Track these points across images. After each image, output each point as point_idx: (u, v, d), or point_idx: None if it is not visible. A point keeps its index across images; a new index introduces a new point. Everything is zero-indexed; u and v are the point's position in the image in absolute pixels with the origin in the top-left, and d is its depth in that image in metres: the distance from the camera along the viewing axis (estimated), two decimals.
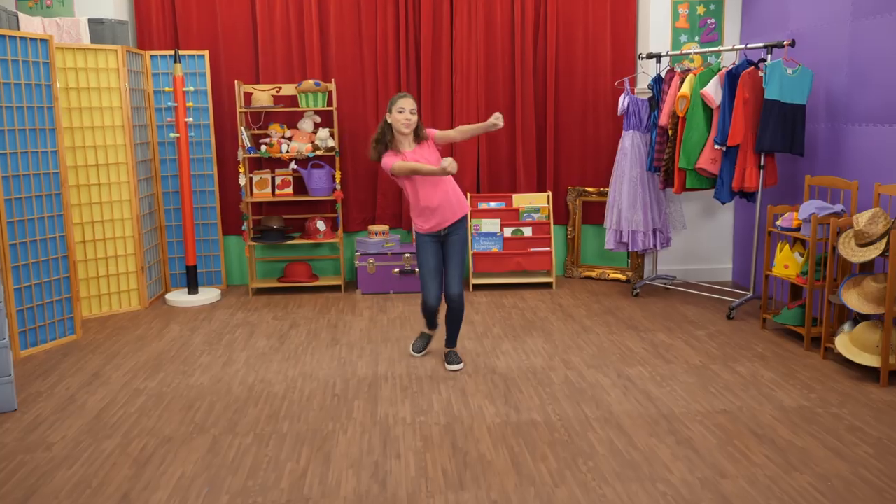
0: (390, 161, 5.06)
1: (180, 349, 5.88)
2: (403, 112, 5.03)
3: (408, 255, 7.44)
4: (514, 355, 5.60)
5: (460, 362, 5.39)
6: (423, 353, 5.64)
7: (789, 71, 6.02)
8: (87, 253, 6.78)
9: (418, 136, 5.17)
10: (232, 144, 7.72)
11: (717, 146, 6.35)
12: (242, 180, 7.37)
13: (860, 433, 4.21)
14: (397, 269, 7.47)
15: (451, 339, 5.51)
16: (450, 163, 4.77)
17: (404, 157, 5.10)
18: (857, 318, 5.37)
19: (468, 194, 7.72)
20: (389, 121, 5.09)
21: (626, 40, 7.77)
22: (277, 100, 7.62)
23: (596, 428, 4.32)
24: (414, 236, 5.46)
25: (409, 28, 7.62)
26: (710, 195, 7.60)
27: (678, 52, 7.02)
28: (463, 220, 5.25)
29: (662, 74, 6.94)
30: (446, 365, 5.38)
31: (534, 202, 7.75)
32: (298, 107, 7.43)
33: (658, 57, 7.10)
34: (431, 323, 5.58)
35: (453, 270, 5.23)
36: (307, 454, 4.07)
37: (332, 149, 7.42)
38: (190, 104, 7.29)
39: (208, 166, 7.55)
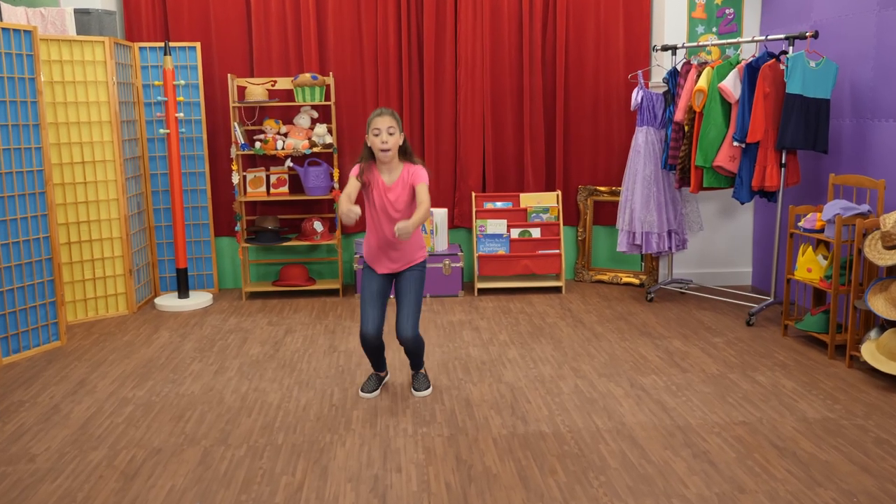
0: (353, 172, 4.73)
1: (170, 356, 5.89)
2: (379, 134, 4.61)
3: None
4: (522, 363, 5.59)
5: (427, 387, 5.08)
6: (375, 392, 5.06)
7: (812, 63, 6.02)
8: (73, 255, 6.79)
9: (406, 156, 4.78)
10: (225, 141, 7.73)
11: (735, 143, 6.35)
12: (236, 179, 7.37)
13: (887, 446, 4.20)
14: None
15: (415, 364, 5.16)
16: (399, 229, 4.33)
17: (371, 187, 4.72)
18: (885, 325, 5.36)
19: (472, 194, 7.73)
20: (369, 144, 4.70)
21: (639, 31, 7.77)
22: (272, 94, 7.61)
23: (608, 440, 4.31)
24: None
25: (410, 18, 7.62)
26: (728, 195, 7.60)
27: (695, 44, 7.02)
28: (418, 264, 4.89)
29: (678, 67, 6.94)
30: (412, 390, 5.07)
31: (542, 202, 7.75)
32: (294, 101, 7.44)
33: (674, 49, 7.10)
34: (377, 364, 5.13)
35: (406, 309, 4.80)
36: (303, 467, 4.07)
37: (329, 146, 7.43)
38: (181, 98, 7.29)
39: (200, 164, 7.56)
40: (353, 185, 4.66)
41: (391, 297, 5.27)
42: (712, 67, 6.50)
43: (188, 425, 4.61)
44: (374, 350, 4.96)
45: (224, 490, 3.84)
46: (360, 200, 4.86)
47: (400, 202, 4.71)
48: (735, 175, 6.49)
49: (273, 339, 6.28)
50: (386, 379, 5.27)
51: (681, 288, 7.54)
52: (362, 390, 5.05)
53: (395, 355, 5.77)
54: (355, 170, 4.72)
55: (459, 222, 8.00)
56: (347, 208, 4.35)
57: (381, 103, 7.65)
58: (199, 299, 7.32)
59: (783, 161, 6.28)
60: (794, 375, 5.27)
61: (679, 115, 6.74)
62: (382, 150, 4.62)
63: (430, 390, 5.08)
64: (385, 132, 4.59)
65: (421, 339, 4.94)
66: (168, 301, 7.27)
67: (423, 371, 5.19)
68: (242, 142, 7.33)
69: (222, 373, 5.50)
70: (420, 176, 4.69)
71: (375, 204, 4.73)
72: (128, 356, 5.91)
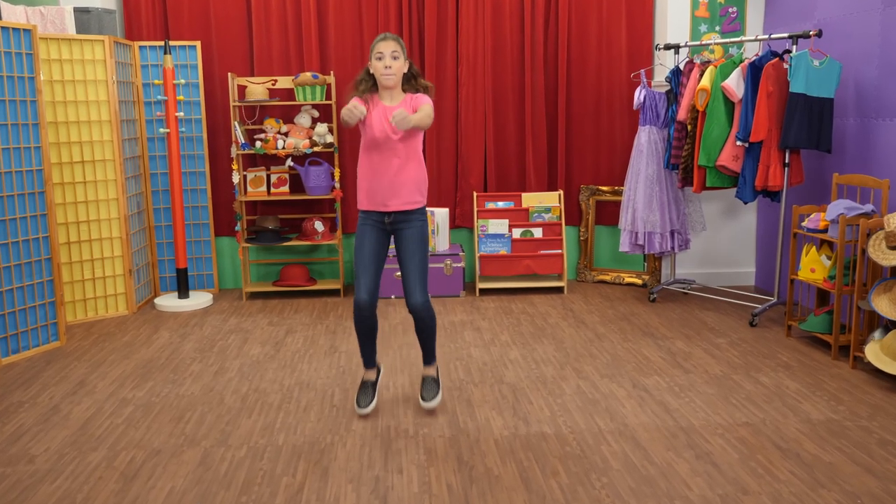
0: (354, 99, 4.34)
1: (170, 357, 5.89)
2: (382, 58, 4.37)
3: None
4: (523, 364, 5.59)
5: (437, 394, 4.71)
6: (370, 406, 4.69)
7: (816, 62, 6.02)
8: (72, 255, 6.79)
9: (412, 85, 4.53)
10: (225, 140, 7.73)
11: (739, 142, 6.34)
12: (236, 178, 7.37)
13: (892, 447, 4.20)
14: (399, 273, 7.45)
15: (428, 355, 4.79)
16: (398, 117, 4.09)
17: (371, 114, 4.42)
18: (889, 326, 5.36)
19: (474, 193, 7.74)
20: (371, 70, 4.47)
21: (642, 30, 7.77)
22: (273, 93, 7.61)
23: (610, 441, 4.31)
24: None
25: (412, 17, 7.62)
26: (731, 194, 7.59)
27: (698, 43, 7.01)
28: (417, 211, 4.54)
29: (681, 66, 6.94)
30: (421, 398, 4.71)
31: (544, 202, 7.75)
32: (295, 100, 7.43)
33: (676, 48, 7.10)
34: (368, 353, 4.76)
35: (412, 273, 4.50)
36: (304, 468, 4.07)
37: (330, 145, 7.43)
38: (181, 98, 7.29)
39: (200, 163, 7.56)
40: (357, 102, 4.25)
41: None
42: (715, 66, 6.49)
43: (188, 426, 4.61)
44: (367, 326, 4.58)
45: (224, 491, 3.84)
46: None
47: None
48: (738, 175, 6.48)
49: (273, 339, 6.28)
50: (380, 377, 4.92)
51: (683, 288, 7.54)
52: (358, 405, 4.68)
53: (397, 354, 5.77)
54: (355, 98, 4.33)
55: (461, 222, 8.00)
56: (354, 104, 4.14)
57: None
58: (200, 299, 7.33)
59: (787, 160, 6.28)
60: (798, 376, 5.26)
61: (682, 115, 6.73)
62: (387, 77, 4.37)
63: (439, 398, 4.71)
64: (389, 56, 4.35)
65: (432, 308, 4.58)
66: (168, 301, 7.27)
67: (434, 374, 4.82)
68: (243, 141, 7.33)
69: (222, 373, 5.51)
70: (423, 99, 4.45)
71: (374, 129, 4.39)
72: (127, 357, 5.91)
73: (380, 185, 4.43)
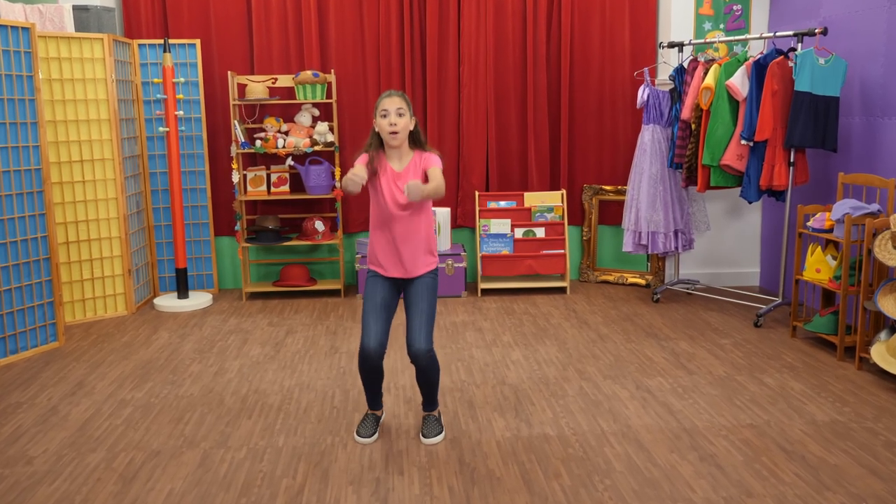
0: (359, 160, 4.26)
1: (169, 357, 5.89)
2: (387, 115, 4.17)
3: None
4: (526, 365, 5.59)
5: (440, 433, 4.48)
6: (372, 438, 4.46)
7: (821, 61, 6.01)
8: (71, 255, 6.80)
9: (416, 143, 4.36)
10: (225, 139, 7.73)
11: (743, 141, 6.34)
12: (236, 177, 7.37)
13: None
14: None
15: (429, 401, 4.56)
16: (412, 188, 3.98)
17: (379, 176, 4.29)
18: (895, 326, 5.35)
19: (476, 193, 7.73)
20: (377, 129, 4.28)
21: (646, 28, 7.77)
22: (273, 92, 7.61)
23: (613, 443, 4.31)
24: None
25: (413, 15, 7.62)
26: (735, 194, 7.59)
27: (702, 41, 7.01)
28: (432, 271, 4.39)
29: (685, 64, 6.93)
30: (421, 436, 4.46)
31: (546, 201, 7.75)
32: (295, 99, 7.43)
33: (680, 46, 7.09)
34: (373, 395, 4.57)
35: (417, 320, 4.27)
36: (304, 470, 4.07)
37: (331, 144, 7.43)
38: (180, 96, 7.29)
39: (199, 163, 7.56)
40: (358, 168, 4.15)
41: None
42: (720, 64, 6.49)
43: (187, 427, 4.62)
44: (373, 373, 4.38)
45: (224, 493, 3.84)
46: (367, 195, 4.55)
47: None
48: (743, 174, 6.48)
49: (273, 340, 6.28)
50: (382, 419, 4.67)
51: (687, 288, 7.54)
52: (358, 434, 4.46)
53: (398, 355, 5.77)
54: (362, 158, 4.26)
55: (462, 222, 8.00)
56: (354, 172, 4.02)
57: None
58: (199, 300, 7.33)
59: (792, 160, 6.27)
60: (803, 377, 5.26)
61: (686, 113, 6.73)
62: (391, 133, 4.19)
63: (441, 436, 4.46)
64: (394, 114, 4.16)
65: (436, 359, 4.34)
66: (167, 301, 7.27)
67: (435, 413, 4.58)
68: (243, 140, 7.33)
69: (222, 374, 5.51)
70: (433, 160, 4.30)
71: (384, 195, 4.25)
72: (126, 357, 5.91)
73: (393, 259, 4.30)
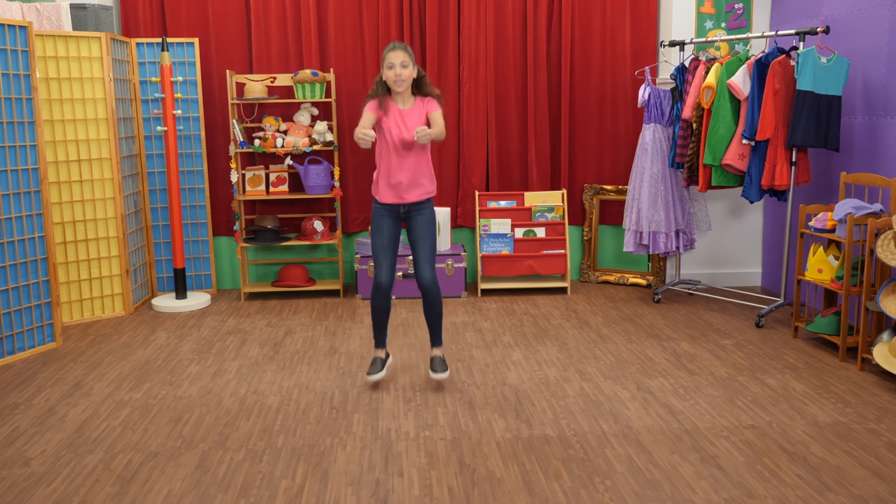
0: (368, 107, 4.99)
1: (167, 358, 5.89)
2: (393, 67, 4.90)
3: (411, 258, 7.35)
4: (526, 365, 5.59)
5: (446, 369, 5.18)
6: (379, 375, 5.17)
7: (823, 59, 6.02)
8: (68, 255, 6.80)
9: (420, 90, 5.08)
10: (223, 139, 7.74)
11: (745, 141, 6.34)
12: (234, 177, 7.38)
13: None
14: (400, 273, 7.47)
15: (435, 336, 5.32)
16: (418, 132, 4.71)
17: (384, 116, 4.99)
18: None
19: (476, 192, 7.74)
20: (384, 78, 5.00)
21: (647, 26, 7.77)
22: (272, 91, 7.63)
23: (614, 444, 4.31)
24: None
25: (413, 14, 7.62)
26: (737, 194, 7.60)
27: (703, 40, 7.01)
28: (428, 200, 5.13)
29: (686, 63, 6.94)
30: (430, 372, 5.19)
31: (547, 201, 7.75)
32: (294, 98, 7.45)
33: (682, 44, 7.10)
34: (380, 333, 5.28)
35: (423, 254, 5.08)
36: (303, 471, 4.07)
37: (330, 143, 7.43)
38: (178, 95, 7.29)
39: (198, 162, 7.57)
40: (368, 119, 4.91)
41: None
42: (721, 63, 6.50)
43: (186, 428, 4.62)
44: (383, 307, 5.19)
45: (222, 494, 3.84)
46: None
47: (418, 126, 4.95)
48: (744, 173, 6.49)
49: (272, 340, 6.28)
50: (389, 362, 5.41)
51: (689, 289, 7.54)
52: (368, 374, 5.18)
53: (398, 356, 5.78)
54: (372, 104, 4.98)
55: (463, 221, 8.00)
56: (363, 132, 4.66)
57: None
58: (197, 300, 7.33)
59: (793, 159, 6.28)
60: (805, 378, 5.26)
61: (687, 113, 6.74)
62: (397, 84, 4.92)
63: (447, 373, 5.16)
64: (399, 65, 4.89)
65: (439, 287, 5.17)
66: (165, 302, 7.28)
67: (441, 356, 5.29)
68: (241, 139, 7.33)
69: (220, 375, 5.51)
70: (434, 105, 5.04)
71: (392, 133, 4.97)
72: (124, 358, 5.91)
73: (399, 181, 5.00)
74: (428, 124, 5.02)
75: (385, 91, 5.02)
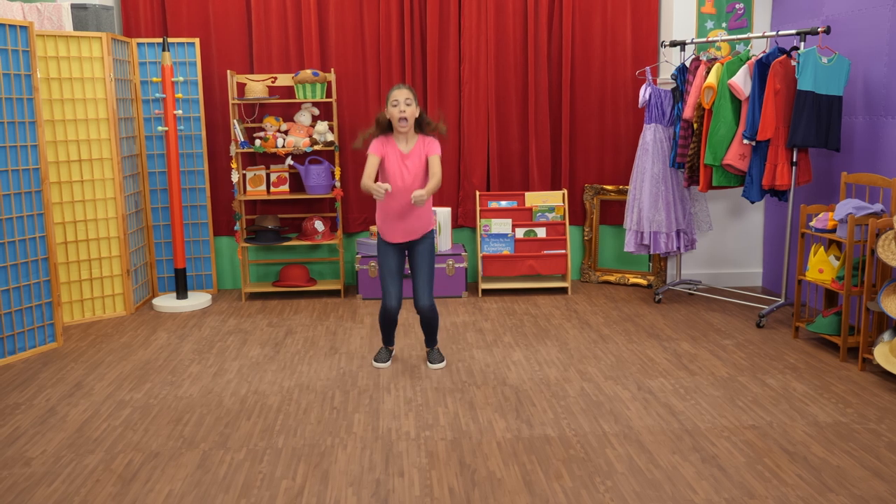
0: (371, 150, 5.18)
1: (168, 358, 5.90)
2: (397, 105, 5.08)
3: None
4: (527, 365, 5.60)
5: (442, 360, 5.64)
6: (387, 363, 5.64)
7: (824, 59, 6.02)
8: (69, 255, 6.80)
9: (422, 128, 5.27)
10: (224, 139, 7.74)
11: (745, 141, 6.34)
12: (235, 177, 7.38)
13: None
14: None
15: (430, 340, 5.69)
16: (415, 197, 4.92)
17: (387, 158, 5.20)
18: None
19: (477, 193, 7.74)
20: (387, 116, 5.18)
21: (647, 27, 7.77)
22: (273, 91, 7.63)
23: (614, 444, 4.32)
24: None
25: (413, 14, 7.62)
26: (738, 194, 7.60)
27: (704, 40, 7.01)
28: (429, 233, 5.39)
29: (687, 63, 6.94)
30: (428, 363, 5.62)
31: (548, 201, 7.76)
32: (295, 98, 7.45)
33: (682, 44, 7.10)
34: (388, 337, 5.70)
35: (422, 282, 5.36)
36: (304, 471, 4.07)
37: (331, 143, 7.44)
38: (179, 95, 7.29)
39: (199, 162, 7.57)
40: (374, 165, 5.12)
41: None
42: (722, 63, 6.50)
43: (186, 428, 4.62)
44: (391, 323, 5.56)
45: (223, 494, 3.85)
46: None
47: (417, 170, 5.19)
48: (745, 173, 6.49)
49: (273, 340, 6.29)
50: (393, 354, 5.85)
51: (689, 289, 7.54)
52: (376, 360, 5.64)
53: (398, 356, 5.78)
54: (374, 146, 5.19)
55: (463, 222, 8.01)
56: (376, 187, 4.87)
57: (383, 100, 7.66)
58: (198, 300, 7.33)
59: (794, 159, 6.28)
60: (806, 378, 5.27)
61: (688, 113, 6.74)
62: (401, 120, 5.10)
63: (444, 363, 5.62)
64: (403, 103, 5.06)
65: (436, 309, 5.49)
66: (166, 302, 7.28)
67: (436, 348, 5.70)
68: (242, 139, 7.33)
69: (221, 375, 5.51)
70: (434, 147, 5.22)
71: (393, 174, 5.17)
72: (125, 358, 5.92)
73: (398, 225, 5.25)
74: (425, 167, 5.22)
75: (387, 129, 5.23)
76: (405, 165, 5.17)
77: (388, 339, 5.70)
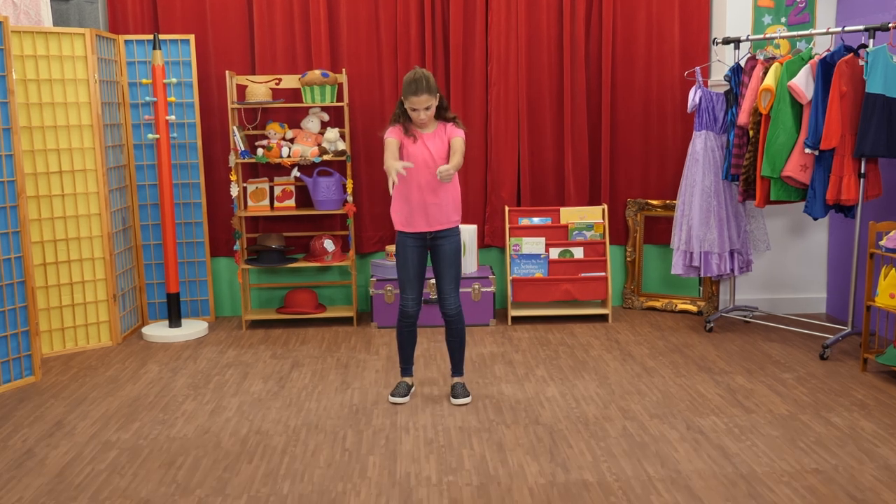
0: (389, 135, 5.40)
1: (159, 394, 5.94)
2: (417, 112, 5.29)
3: (433, 281, 7.24)
4: (562, 402, 5.62)
5: (468, 395, 5.66)
6: (405, 398, 5.68)
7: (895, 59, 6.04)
8: (49, 278, 6.85)
9: (442, 116, 5.45)
10: (222, 148, 7.78)
11: (807, 150, 6.35)
12: (235, 191, 7.42)
13: None
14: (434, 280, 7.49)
15: (456, 366, 5.79)
16: (440, 171, 5.08)
17: (407, 142, 5.38)
18: None
19: (506, 208, 7.77)
20: (406, 106, 5.36)
21: (697, 22, 7.80)
22: (277, 94, 7.66)
23: (660, 490, 4.33)
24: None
25: (435, 7, 7.66)
26: (799, 209, 7.60)
27: (761, 37, 7.03)
28: (455, 227, 5.52)
29: (742, 63, 6.96)
30: (451, 398, 5.66)
31: (586, 217, 7.78)
32: (302, 102, 7.48)
33: (737, 42, 7.12)
34: (406, 360, 5.80)
35: (448, 283, 5.51)
36: None
37: (342, 153, 7.47)
38: (172, 99, 7.35)
39: (194, 174, 7.63)
40: (394, 146, 5.32)
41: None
42: (781, 63, 6.51)
43: (180, 473, 4.66)
44: (410, 337, 5.69)
45: None
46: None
47: (441, 151, 5.38)
48: (807, 187, 6.49)
49: (277, 374, 6.33)
50: (413, 389, 5.83)
51: (745, 316, 7.54)
52: (393, 395, 5.67)
53: (417, 391, 5.81)
54: (395, 131, 5.39)
55: (491, 241, 8.03)
56: (398, 165, 5.04)
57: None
58: (193, 329, 7.38)
59: (862, 171, 6.28)
60: (875, 416, 5.27)
61: (743, 118, 6.75)
62: (421, 125, 5.37)
63: (469, 399, 5.64)
64: (422, 111, 5.26)
65: (463, 314, 5.61)
66: (157, 331, 7.33)
67: (462, 381, 5.78)
68: (242, 149, 7.37)
69: (219, 413, 5.55)
70: (457, 131, 5.42)
71: (416, 153, 5.34)
72: (111, 394, 5.96)
73: (420, 211, 5.40)
74: (449, 149, 5.40)
75: (407, 118, 5.40)
76: (426, 146, 5.36)
77: (407, 361, 5.79)
